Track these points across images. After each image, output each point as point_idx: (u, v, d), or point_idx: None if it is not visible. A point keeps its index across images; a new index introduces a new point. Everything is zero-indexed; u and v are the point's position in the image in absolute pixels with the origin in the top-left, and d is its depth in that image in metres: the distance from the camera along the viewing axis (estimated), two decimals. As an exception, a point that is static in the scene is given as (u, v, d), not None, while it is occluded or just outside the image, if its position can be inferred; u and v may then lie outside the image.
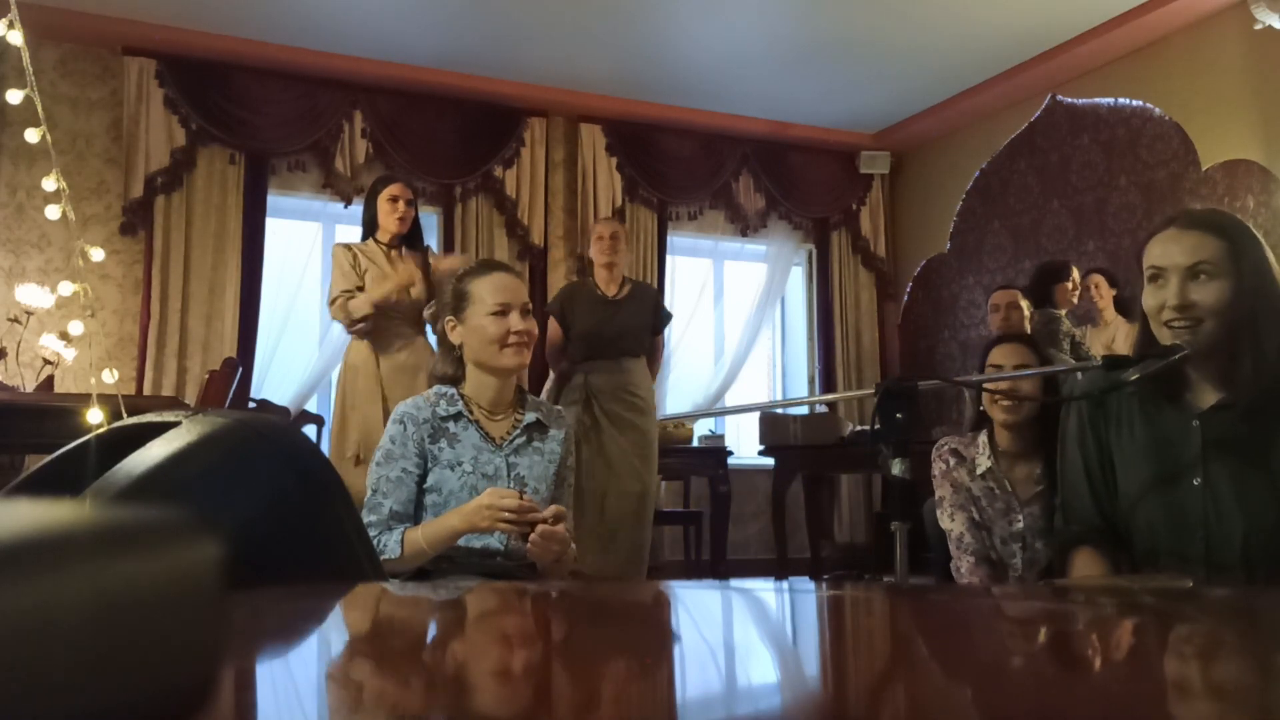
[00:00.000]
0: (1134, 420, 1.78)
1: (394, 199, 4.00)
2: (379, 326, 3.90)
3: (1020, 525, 2.36)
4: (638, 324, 4.34)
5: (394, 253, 4.03)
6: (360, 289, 3.88)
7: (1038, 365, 2.47)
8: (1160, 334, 1.70)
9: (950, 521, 2.46)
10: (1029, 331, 4.43)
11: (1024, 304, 4.71)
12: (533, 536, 1.99)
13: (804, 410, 6.12)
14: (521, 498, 1.98)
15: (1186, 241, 1.68)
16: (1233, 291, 1.65)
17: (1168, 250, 1.69)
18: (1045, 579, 2.28)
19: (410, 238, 4.07)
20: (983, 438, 2.49)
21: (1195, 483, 1.69)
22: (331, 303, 3.91)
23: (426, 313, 3.86)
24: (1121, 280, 5.28)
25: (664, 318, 4.50)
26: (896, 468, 1.68)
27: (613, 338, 4.28)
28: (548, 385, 4.55)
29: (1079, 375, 2.91)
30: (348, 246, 4.03)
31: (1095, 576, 1.74)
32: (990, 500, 2.41)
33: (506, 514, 1.97)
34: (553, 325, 4.43)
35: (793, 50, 5.91)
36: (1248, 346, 1.66)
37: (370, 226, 4.06)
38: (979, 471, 2.45)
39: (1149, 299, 1.72)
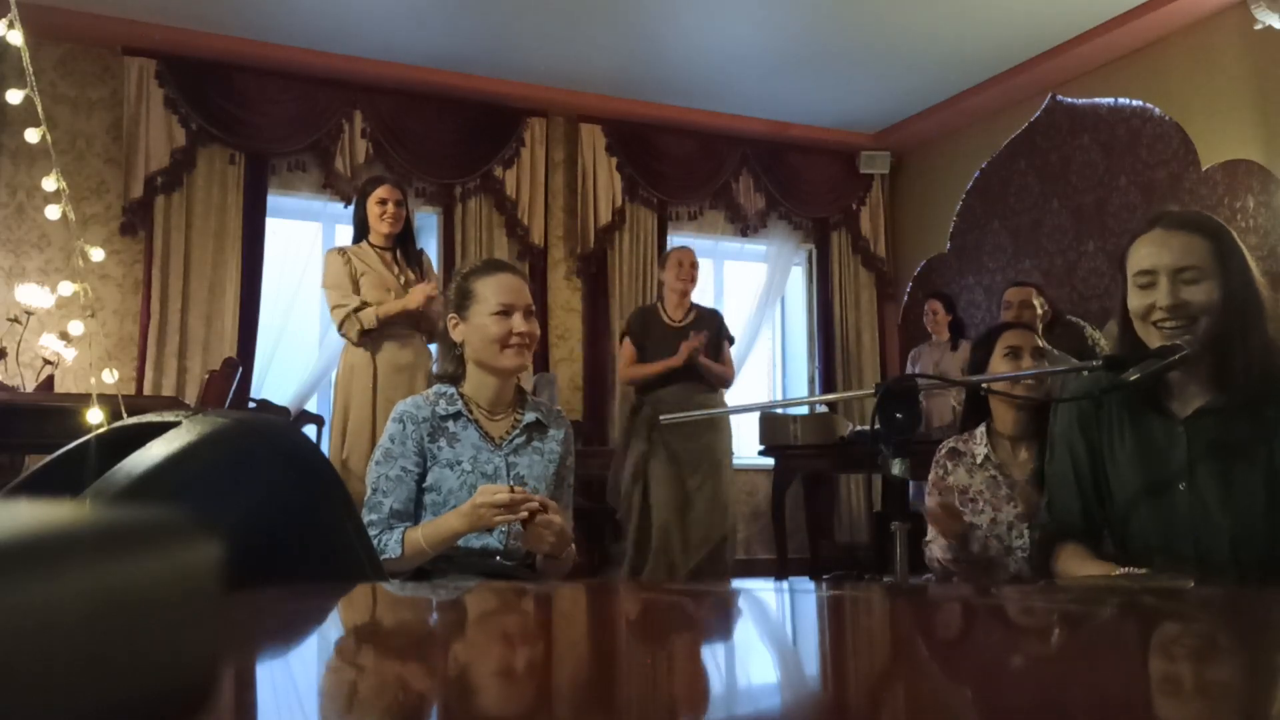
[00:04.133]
0: (1123, 426, 1.79)
1: (382, 201, 3.99)
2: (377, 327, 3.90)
3: (1022, 508, 2.40)
4: (705, 348, 4.48)
5: (388, 255, 4.02)
6: (364, 302, 3.85)
7: (1046, 352, 2.54)
8: (1148, 335, 1.71)
9: (931, 534, 2.52)
10: (1040, 331, 4.42)
11: (1037, 302, 4.68)
12: (530, 525, 1.99)
13: (804, 410, 6.12)
14: (513, 490, 1.98)
15: (1175, 243, 1.69)
16: (1221, 291, 1.66)
17: (1156, 252, 1.69)
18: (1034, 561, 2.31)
19: (403, 239, 4.07)
20: (980, 430, 2.53)
21: (1182, 488, 1.70)
22: (338, 315, 3.88)
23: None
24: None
25: (726, 338, 4.74)
26: (896, 468, 1.67)
27: (683, 366, 4.41)
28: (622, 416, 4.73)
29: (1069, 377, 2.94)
30: (341, 251, 4.02)
31: (1095, 576, 1.75)
32: (993, 490, 2.46)
33: (500, 508, 1.97)
34: (628, 348, 4.59)
35: (792, 50, 5.91)
36: (1237, 346, 1.66)
37: (362, 229, 4.06)
38: (978, 461, 2.49)
39: (1137, 300, 1.71)
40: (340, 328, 3.89)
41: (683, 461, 4.36)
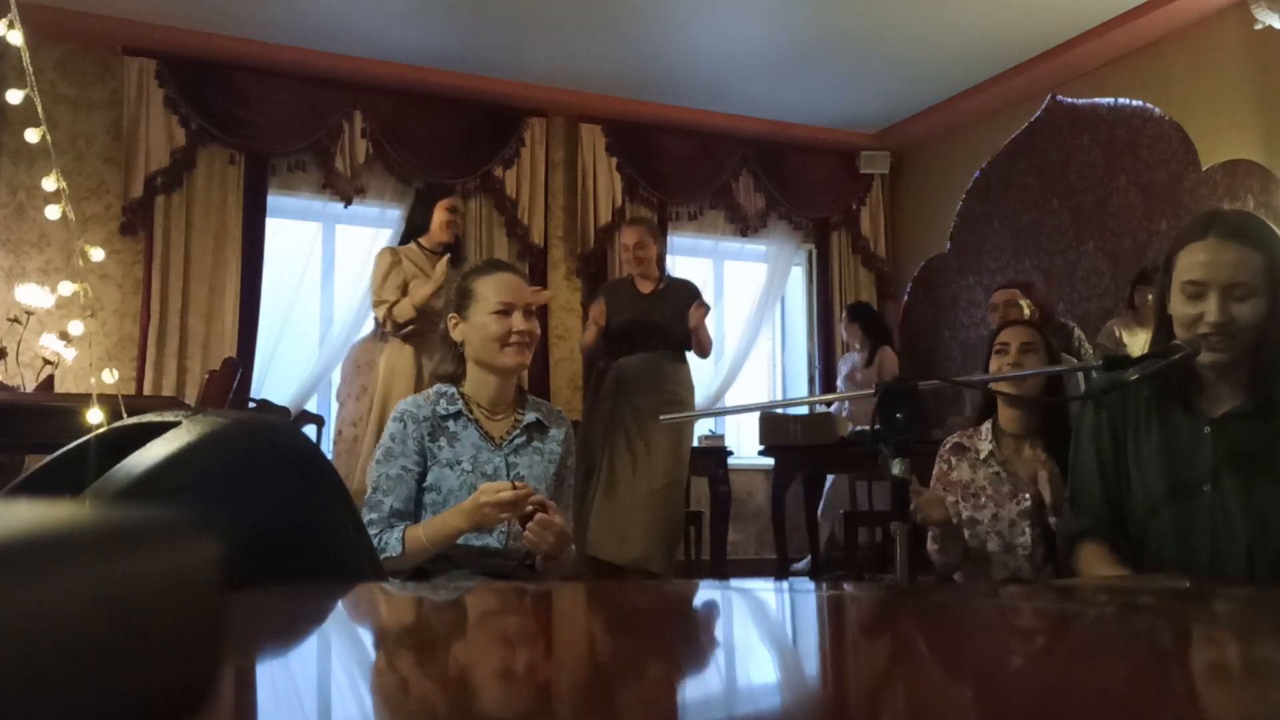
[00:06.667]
0: (1150, 424, 1.78)
1: (452, 209, 4.17)
2: (422, 330, 3.97)
3: (1027, 504, 2.42)
4: (672, 317, 4.44)
5: (435, 259, 4.13)
6: (402, 295, 3.98)
7: (1043, 349, 2.56)
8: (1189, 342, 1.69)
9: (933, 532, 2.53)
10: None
11: (1024, 303, 4.70)
12: (530, 525, 1.99)
13: (804, 410, 6.12)
14: (515, 487, 1.98)
15: (1228, 256, 1.65)
16: (1268, 307, 1.64)
17: (1209, 265, 1.65)
18: (1051, 557, 2.32)
19: (451, 249, 4.19)
20: (986, 425, 2.55)
21: (1205, 489, 1.69)
22: (378, 312, 4.03)
23: None
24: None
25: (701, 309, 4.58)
26: (896, 468, 1.68)
27: (647, 330, 4.39)
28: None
29: (1081, 376, 2.95)
30: (393, 251, 4.16)
31: (1094, 576, 1.75)
32: (996, 485, 2.47)
33: (504, 505, 1.97)
34: (596, 311, 4.54)
35: (792, 50, 5.91)
36: (1277, 358, 1.65)
37: (418, 230, 4.16)
38: (981, 457, 2.50)
39: (1183, 309, 1.68)
40: (382, 324, 4.01)
41: (642, 432, 4.32)
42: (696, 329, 4.40)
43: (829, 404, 6.17)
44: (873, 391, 1.74)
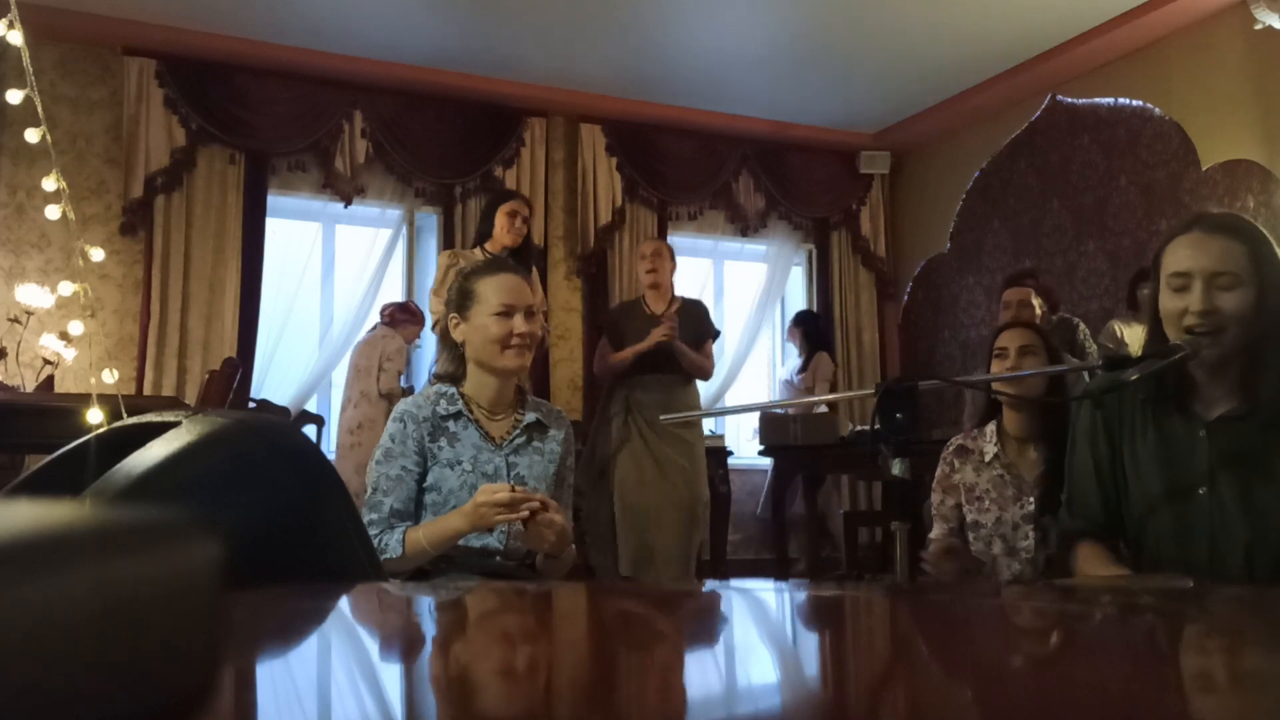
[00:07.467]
0: (1146, 426, 1.78)
1: (513, 214, 4.16)
2: None
3: (1031, 507, 2.41)
4: (683, 341, 4.37)
5: None
6: None
7: (1044, 351, 2.53)
8: (1178, 338, 1.69)
9: (937, 523, 2.53)
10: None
11: (1036, 302, 4.64)
12: (530, 524, 1.99)
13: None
14: (514, 489, 1.98)
15: (1212, 247, 1.65)
16: (1256, 299, 1.63)
17: (1193, 255, 1.66)
18: (1054, 559, 2.32)
19: (517, 253, 4.21)
20: (990, 427, 2.54)
21: (1202, 492, 1.69)
22: (436, 311, 4.04)
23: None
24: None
25: (709, 332, 4.55)
26: (896, 468, 1.68)
27: (657, 354, 4.32)
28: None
29: (1086, 375, 2.94)
30: (452, 254, 4.20)
31: (1095, 576, 1.75)
32: (1000, 488, 2.46)
33: (501, 506, 1.97)
34: (604, 343, 4.55)
35: (793, 50, 5.91)
36: (1268, 356, 1.65)
37: (484, 235, 4.21)
38: (986, 459, 2.49)
39: (1170, 303, 1.68)
40: (435, 325, 4.04)
41: (656, 447, 4.31)
42: (675, 346, 4.29)
43: (829, 404, 6.17)
44: (872, 391, 1.74)
